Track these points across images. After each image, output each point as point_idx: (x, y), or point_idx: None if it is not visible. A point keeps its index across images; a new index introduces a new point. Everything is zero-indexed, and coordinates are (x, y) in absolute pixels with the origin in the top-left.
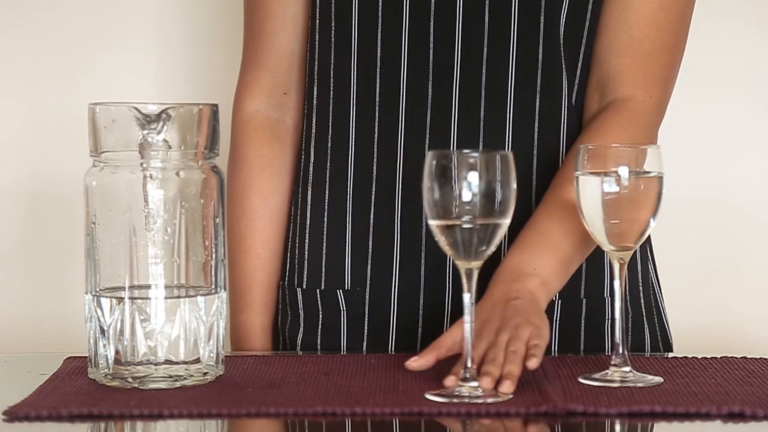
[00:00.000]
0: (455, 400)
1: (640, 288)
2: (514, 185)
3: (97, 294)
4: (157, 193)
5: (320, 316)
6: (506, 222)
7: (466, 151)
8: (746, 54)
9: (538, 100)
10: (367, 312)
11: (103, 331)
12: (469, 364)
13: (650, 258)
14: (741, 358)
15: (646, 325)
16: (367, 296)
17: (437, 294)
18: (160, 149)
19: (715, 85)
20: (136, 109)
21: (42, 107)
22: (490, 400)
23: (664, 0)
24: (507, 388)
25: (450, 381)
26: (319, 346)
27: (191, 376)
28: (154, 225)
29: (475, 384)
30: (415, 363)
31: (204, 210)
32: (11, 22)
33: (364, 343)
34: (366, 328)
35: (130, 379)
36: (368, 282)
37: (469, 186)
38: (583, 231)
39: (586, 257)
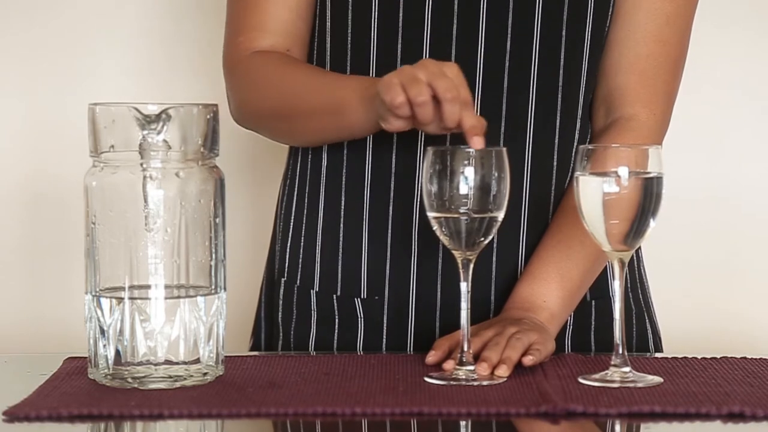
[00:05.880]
0: (452, 383)
1: (632, 286)
2: (508, 180)
3: (97, 294)
4: (157, 193)
5: (336, 319)
6: (500, 215)
7: (462, 146)
8: (746, 55)
9: (560, 96)
10: (385, 321)
11: (103, 332)
12: (465, 349)
13: (641, 256)
14: (741, 358)
15: (634, 323)
16: (385, 306)
17: (454, 300)
18: (160, 149)
19: (715, 85)
20: (136, 109)
21: (42, 107)
22: (485, 383)
23: (670, 15)
24: (503, 371)
25: (448, 365)
26: (335, 345)
27: (191, 376)
28: (154, 225)
29: (471, 368)
30: (432, 358)
31: (204, 210)
32: (11, 22)
33: (383, 350)
34: (384, 337)
35: (130, 380)
36: (386, 291)
37: (466, 180)
38: (589, 260)
39: (591, 285)
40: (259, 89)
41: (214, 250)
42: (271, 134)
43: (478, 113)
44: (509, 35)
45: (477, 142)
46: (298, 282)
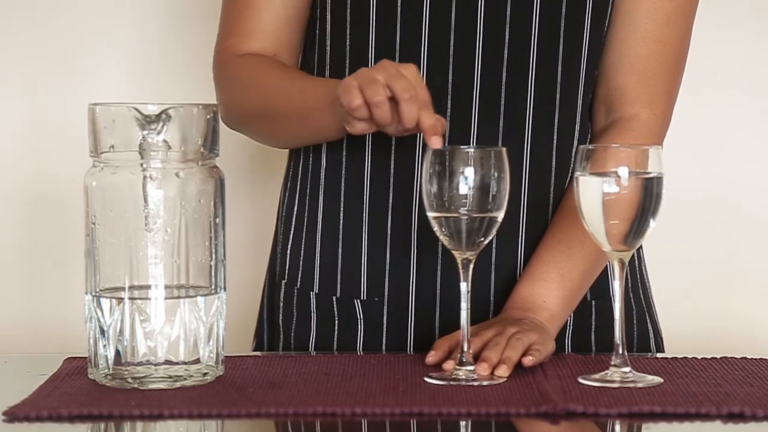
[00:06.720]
0: (452, 383)
1: (633, 286)
2: (508, 180)
3: (97, 294)
4: (157, 193)
5: (336, 321)
6: (500, 215)
7: (462, 147)
8: (746, 55)
9: (558, 94)
10: (385, 322)
11: (103, 332)
12: (465, 349)
13: (642, 256)
14: (741, 358)
15: (635, 323)
16: (385, 307)
17: (454, 300)
18: (160, 149)
19: (715, 85)
20: (136, 109)
21: (42, 107)
22: (485, 383)
23: (670, 15)
24: (503, 371)
25: (448, 365)
26: (335, 346)
27: (191, 376)
28: (154, 225)
29: (471, 368)
30: (432, 358)
31: (204, 210)
32: (11, 22)
33: (383, 351)
34: (384, 337)
35: (130, 380)
36: (386, 292)
37: (466, 180)
38: (589, 260)
39: (591, 285)
40: (243, 90)
41: (214, 250)
42: (254, 135)
43: (477, 109)
44: (507, 30)
45: (435, 142)
46: (298, 284)
